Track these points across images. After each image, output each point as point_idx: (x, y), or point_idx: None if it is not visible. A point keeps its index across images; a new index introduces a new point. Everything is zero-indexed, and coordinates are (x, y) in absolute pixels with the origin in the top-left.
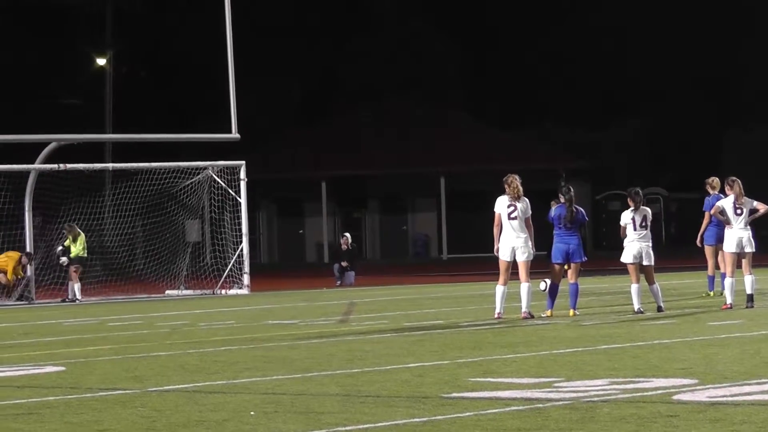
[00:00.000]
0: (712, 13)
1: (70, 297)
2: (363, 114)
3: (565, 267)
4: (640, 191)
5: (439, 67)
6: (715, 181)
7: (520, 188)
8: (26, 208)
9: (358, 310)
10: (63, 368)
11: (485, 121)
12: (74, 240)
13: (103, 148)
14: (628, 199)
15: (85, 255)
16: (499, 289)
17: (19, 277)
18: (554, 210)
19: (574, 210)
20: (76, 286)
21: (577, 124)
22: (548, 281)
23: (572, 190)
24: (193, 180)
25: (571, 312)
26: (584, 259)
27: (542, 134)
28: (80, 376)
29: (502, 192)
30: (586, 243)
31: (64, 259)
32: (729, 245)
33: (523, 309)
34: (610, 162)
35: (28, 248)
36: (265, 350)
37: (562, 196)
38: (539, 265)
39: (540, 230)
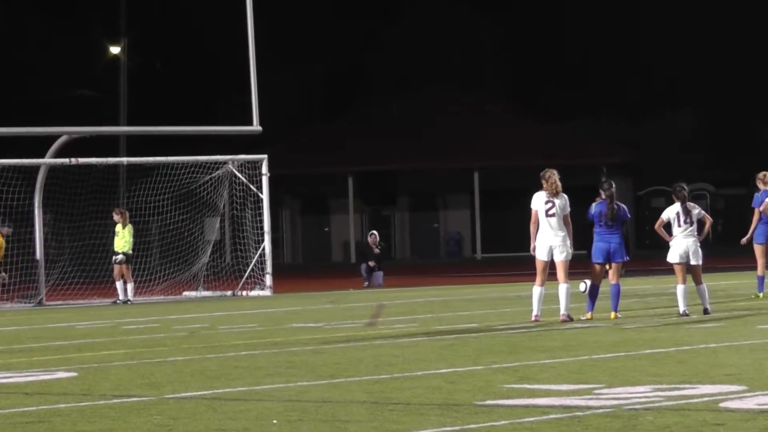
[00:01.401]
0: (765, 4)
1: (121, 298)
2: (392, 105)
3: (606, 267)
4: (686, 187)
5: (475, 55)
6: (765, 176)
7: (559, 184)
8: (36, 205)
9: (387, 313)
10: (75, 374)
11: (522, 114)
12: (123, 227)
13: (118, 142)
14: (673, 195)
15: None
16: (536, 290)
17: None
18: (595, 207)
19: (616, 206)
20: (129, 286)
21: (620, 117)
22: (588, 282)
23: (614, 185)
24: (212, 175)
25: (613, 315)
26: (626, 258)
27: (582, 127)
28: (93, 383)
29: (540, 188)
30: (628, 241)
31: (120, 257)
32: None
33: (562, 311)
34: (653, 156)
35: (38, 248)
36: (289, 355)
37: (603, 192)
38: (579, 265)
39: (580, 228)
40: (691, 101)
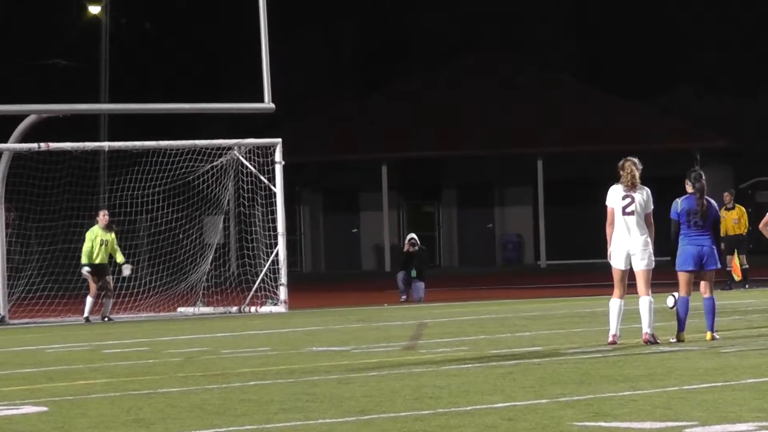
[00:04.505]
0: None
1: (108, 315)
2: (437, 78)
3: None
4: None
5: (540, 18)
6: None
7: (637, 175)
8: None
9: (429, 334)
10: (45, 408)
11: (599, 88)
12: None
13: (98, 123)
14: None
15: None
16: (614, 304)
17: None
18: (681, 203)
19: (706, 203)
20: (109, 301)
21: (718, 93)
22: (677, 295)
23: (704, 177)
24: (214, 164)
25: (709, 335)
26: (719, 266)
27: (672, 105)
28: (68, 419)
29: (617, 180)
30: (719, 245)
31: (127, 267)
32: None
33: (645, 330)
34: (759, 140)
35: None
36: (309, 386)
37: (689, 185)
38: (662, 275)
39: (663, 229)
40: None
